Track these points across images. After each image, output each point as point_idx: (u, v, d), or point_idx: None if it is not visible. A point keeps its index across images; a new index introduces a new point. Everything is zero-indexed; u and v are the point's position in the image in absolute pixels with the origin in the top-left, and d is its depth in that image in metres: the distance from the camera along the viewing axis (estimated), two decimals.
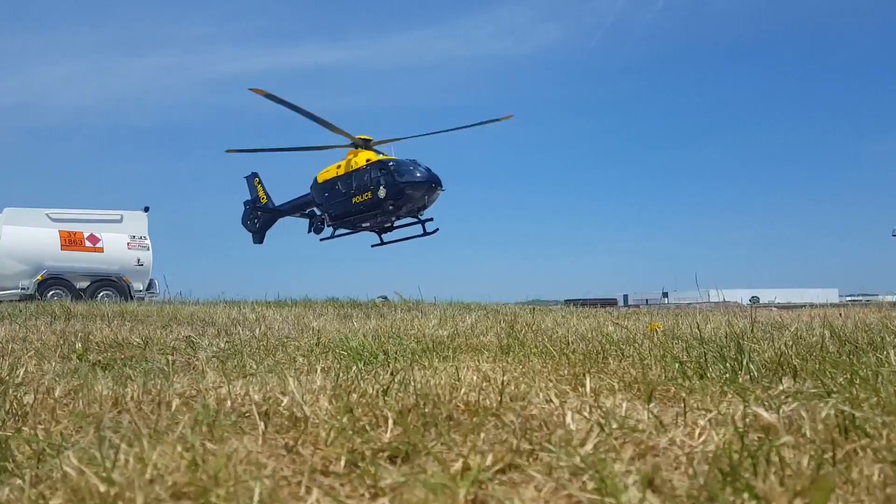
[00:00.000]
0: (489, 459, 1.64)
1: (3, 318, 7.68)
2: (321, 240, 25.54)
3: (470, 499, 1.45)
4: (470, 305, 11.33)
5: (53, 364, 3.26)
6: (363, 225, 24.15)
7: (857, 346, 3.47)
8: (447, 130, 24.25)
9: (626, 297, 56.08)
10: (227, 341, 4.39)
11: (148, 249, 22.84)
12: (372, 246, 24.72)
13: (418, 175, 22.38)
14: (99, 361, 3.54)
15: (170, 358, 3.50)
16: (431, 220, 23.50)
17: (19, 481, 1.45)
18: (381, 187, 22.33)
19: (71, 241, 21.72)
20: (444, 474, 1.50)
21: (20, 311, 9.12)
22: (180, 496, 1.38)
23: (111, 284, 22.02)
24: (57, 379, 2.73)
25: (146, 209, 23.66)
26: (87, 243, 21.90)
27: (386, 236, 24.51)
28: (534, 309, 10.15)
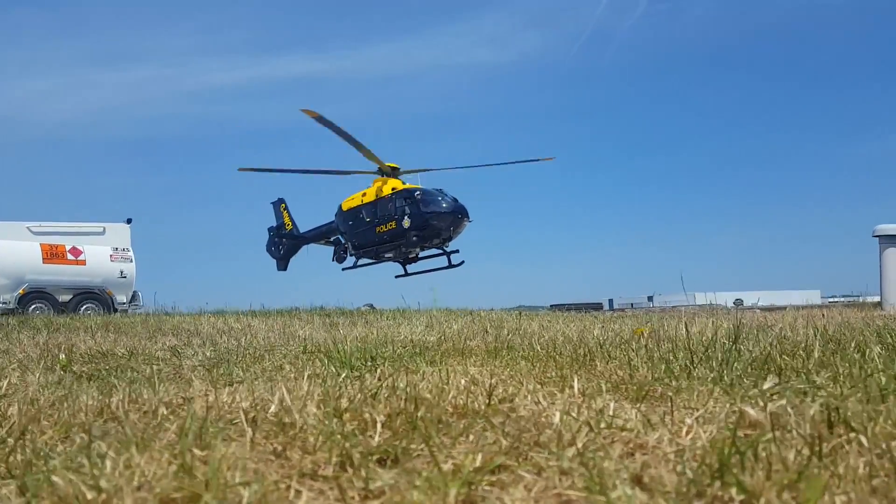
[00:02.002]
0: (479, 460, 1.64)
1: None
2: (343, 269, 24.89)
3: (461, 499, 1.45)
4: (456, 312, 11.33)
5: (37, 375, 3.22)
6: (386, 255, 23.28)
7: (840, 345, 3.50)
8: (480, 166, 23.71)
9: (611, 301, 56.21)
10: (212, 350, 4.37)
11: (131, 261, 22.59)
12: (396, 277, 23.89)
13: (444, 206, 21.54)
14: (83, 372, 3.51)
15: (155, 367, 3.48)
16: (457, 251, 22.67)
17: (5, 490, 1.44)
18: (406, 217, 21.59)
19: (52, 255, 21.45)
20: (434, 475, 1.50)
21: (2, 325, 9.02)
22: (169, 502, 1.37)
23: (94, 297, 21.77)
24: (41, 390, 2.70)
25: (129, 221, 23.42)
26: (70, 256, 21.64)
27: (410, 267, 23.64)
28: (520, 314, 10.17)
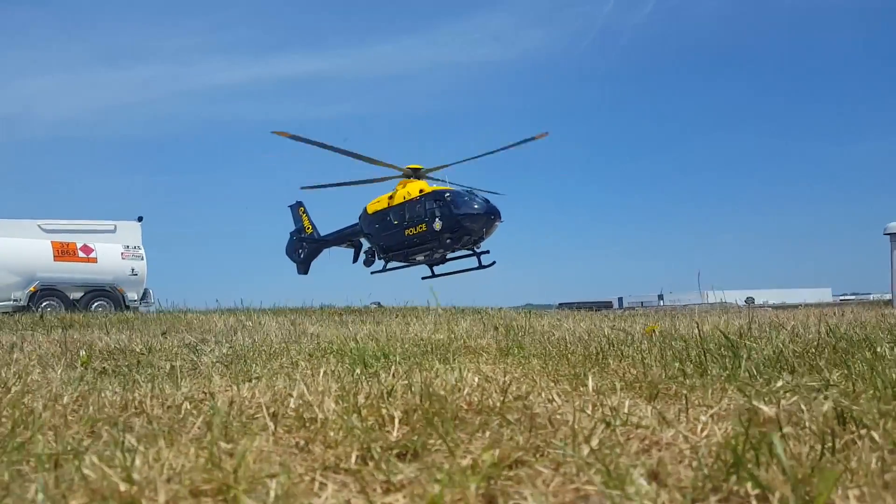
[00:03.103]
0: (497, 455, 1.67)
1: (1, 329, 7.67)
2: (372, 273, 24.57)
3: (480, 493, 1.48)
4: (463, 310, 11.36)
5: (59, 372, 3.28)
6: (417, 258, 22.96)
7: (852, 343, 3.52)
8: (489, 153, 23.51)
9: (620, 299, 56.12)
10: (229, 347, 4.42)
11: (142, 259, 22.68)
12: (423, 278, 23.54)
13: (476, 207, 21.25)
14: (104, 368, 3.56)
15: (174, 364, 3.53)
16: (488, 252, 22.30)
17: (37, 484, 1.48)
18: (437, 220, 21.29)
19: (64, 252, 21.56)
20: (455, 469, 1.54)
21: (16, 322, 9.12)
22: (199, 493, 1.41)
23: (105, 295, 21.88)
24: (64, 386, 2.75)
25: (140, 219, 23.53)
26: (81, 254, 21.74)
27: (438, 268, 23.27)
28: (529, 312, 10.19)
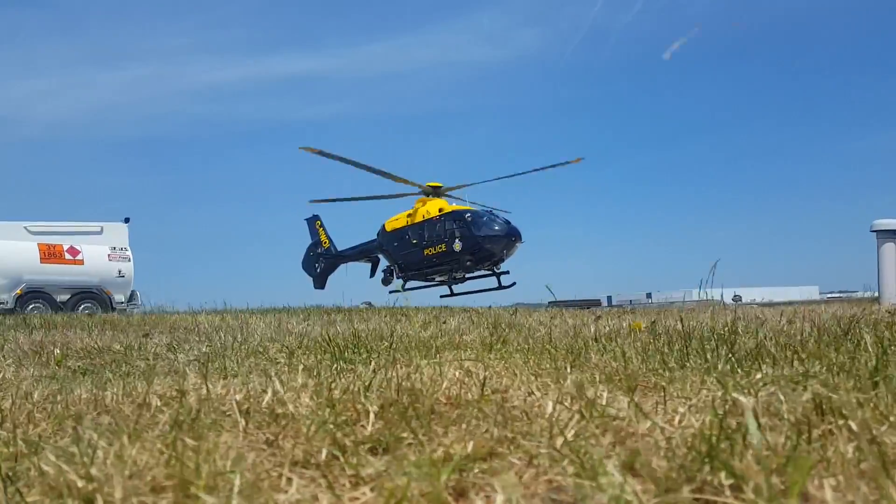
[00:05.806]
0: (470, 447, 1.64)
1: None
2: (390, 292, 24.09)
3: (451, 485, 1.45)
4: (454, 309, 11.34)
5: (32, 370, 3.23)
6: (437, 278, 22.80)
7: (835, 336, 3.51)
8: (516, 175, 23.36)
9: (609, 298, 56.22)
10: (208, 346, 4.37)
11: (129, 261, 22.57)
12: (441, 297, 23.27)
13: (496, 228, 21.11)
14: (79, 367, 3.51)
15: (150, 362, 3.48)
16: (507, 272, 22.17)
17: None
18: (457, 241, 21.11)
19: (50, 254, 21.44)
20: (424, 462, 1.51)
21: None
22: (160, 490, 1.37)
23: (92, 297, 21.76)
24: (35, 384, 2.70)
25: (126, 220, 23.40)
26: (67, 256, 21.63)
27: (457, 287, 23.04)
28: (515, 311, 10.17)
